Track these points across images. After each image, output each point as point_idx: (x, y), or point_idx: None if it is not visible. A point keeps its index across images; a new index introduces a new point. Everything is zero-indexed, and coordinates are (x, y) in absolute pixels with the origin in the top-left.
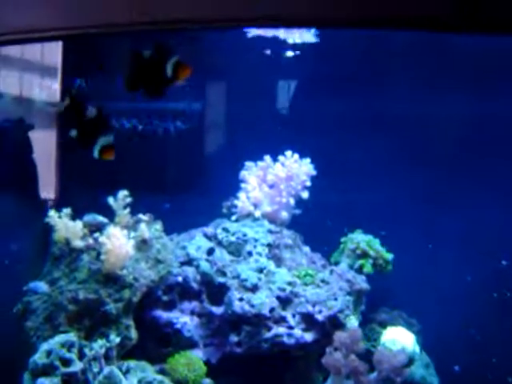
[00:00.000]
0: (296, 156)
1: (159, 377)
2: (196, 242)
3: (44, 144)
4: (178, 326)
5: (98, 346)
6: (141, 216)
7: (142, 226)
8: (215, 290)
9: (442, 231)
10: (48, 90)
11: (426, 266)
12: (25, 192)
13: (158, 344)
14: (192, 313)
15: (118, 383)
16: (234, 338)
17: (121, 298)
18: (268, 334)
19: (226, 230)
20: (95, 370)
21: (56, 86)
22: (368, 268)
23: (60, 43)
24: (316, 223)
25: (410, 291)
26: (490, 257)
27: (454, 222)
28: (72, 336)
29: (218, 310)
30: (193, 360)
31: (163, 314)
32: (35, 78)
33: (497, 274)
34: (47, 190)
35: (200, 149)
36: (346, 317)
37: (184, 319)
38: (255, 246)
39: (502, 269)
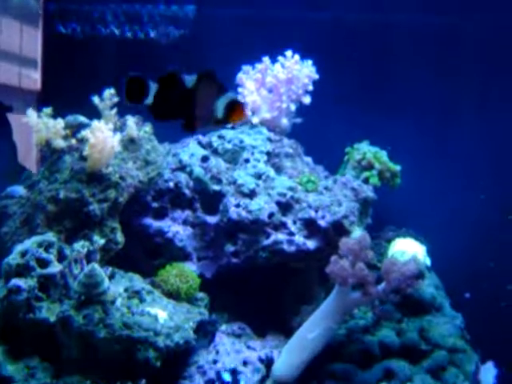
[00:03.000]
0: (297, 57)
1: (148, 286)
2: (189, 150)
3: None
4: (170, 235)
5: (80, 246)
6: (129, 117)
7: (130, 122)
8: (210, 199)
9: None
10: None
11: (436, 183)
12: None
13: (147, 255)
14: (185, 222)
15: (100, 283)
16: (230, 248)
17: (106, 198)
18: (267, 242)
19: (221, 137)
20: (76, 272)
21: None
22: (374, 180)
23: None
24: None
25: (419, 209)
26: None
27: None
28: (51, 236)
29: (212, 220)
30: (185, 271)
31: (153, 223)
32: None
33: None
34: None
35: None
36: (352, 224)
37: (176, 228)
38: (253, 154)
39: None
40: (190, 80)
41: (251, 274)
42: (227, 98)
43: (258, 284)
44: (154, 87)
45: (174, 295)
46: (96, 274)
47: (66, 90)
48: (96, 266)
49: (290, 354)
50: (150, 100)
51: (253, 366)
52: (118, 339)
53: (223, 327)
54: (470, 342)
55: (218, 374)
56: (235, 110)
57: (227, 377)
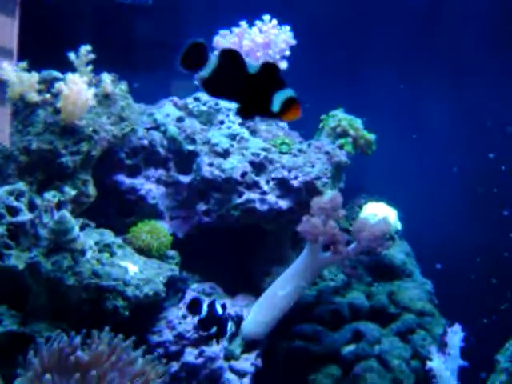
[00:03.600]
0: (274, 21)
1: (119, 241)
2: (164, 110)
3: None
4: (142, 192)
5: (51, 195)
6: (105, 74)
7: (105, 78)
8: (184, 159)
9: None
10: None
11: (409, 153)
12: None
13: (119, 213)
14: (158, 181)
15: (70, 230)
16: (202, 207)
17: (78, 151)
18: (239, 200)
19: (197, 99)
20: (46, 221)
21: None
22: (349, 147)
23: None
24: None
25: (392, 179)
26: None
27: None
28: (21, 185)
29: (185, 179)
30: (157, 228)
31: (126, 180)
32: None
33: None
34: None
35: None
36: (324, 185)
37: (149, 186)
38: (228, 116)
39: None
40: (253, 66)
41: (223, 235)
42: (285, 94)
43: (230, 245)
44: (213, 60)
45: (145, 251)
46: (66, 221)
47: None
48: (66, 212)
49: (259, 312)
50: (206, 73)
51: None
52: (86, 287)
53: (194, 286)
54: (438, 307)
55: (213, 304)
56: (291, 107)
57: (219, 309)
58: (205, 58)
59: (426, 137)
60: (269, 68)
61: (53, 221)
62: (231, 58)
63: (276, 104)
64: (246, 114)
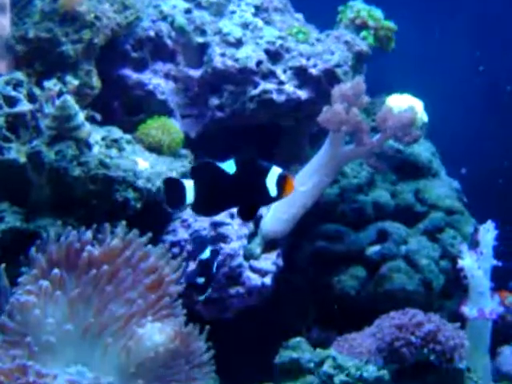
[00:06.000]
0: None
1: (128, 136)
2: (171, 1)
3: None
4: (150, 87)
5: (52, 84)
6: None
7: None
8: (193, 52)
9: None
10: None
11: (432, 51)
12: None
13: (126, 111)
14: (166, 76)
15: (74, 116)
16: (214, 101)
17: (80, 39)
18: (254, 91)
19: None
20: (48, 112)
21: None
22: (370, 39)
23: None
24: None
25: (414, 79)
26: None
27: None
28: (19, 74)
29: (196, 73)
30: (168, 124)
31: (132, 74)
32: None
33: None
34: None
35: None
36: (345, 73)
37: (157, 81)
38: (239, 6)
39: None
40: (229, 166)
41: (237, 135)
42: (275, 175)
43: (246, 144)
44: (190, 186)
45: (155, 149)
46: (69, 106)
47: None
48: (69, 97)
49: (279, 209)
50: (190, 200)
51: (240, 220)
52: (93, 178)
53: None
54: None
55: (215, 253)
56: (286, 183)
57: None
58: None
59: (451, 33)
60: (245, 159)
61: (55, 107)
62: (204, 171)
63: (272, 189)
64: (248, 215)
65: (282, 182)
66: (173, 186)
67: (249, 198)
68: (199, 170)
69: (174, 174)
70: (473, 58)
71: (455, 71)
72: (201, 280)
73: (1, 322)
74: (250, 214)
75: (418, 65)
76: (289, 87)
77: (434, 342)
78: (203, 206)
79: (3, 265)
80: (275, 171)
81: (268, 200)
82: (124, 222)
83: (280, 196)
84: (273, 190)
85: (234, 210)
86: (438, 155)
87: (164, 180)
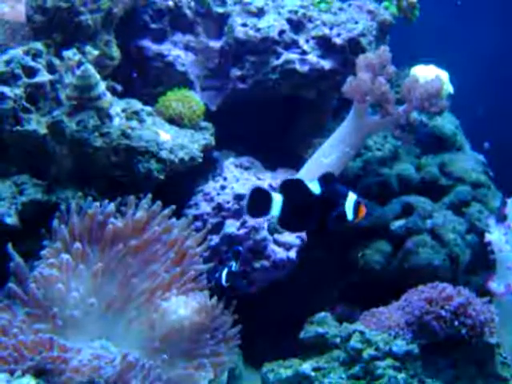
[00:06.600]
0: None
1: (148, 108)
2: None
3: None
4: (170, 58)
5: (71, 53)
6: None
7: None
8: (213, 23)
9: None
10: None
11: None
12: None
13: (146, 83)
14: (186, 47)
15: (95, 86)
16: (236, 72)
17: (99, 8)
18: (277, 62)
19: None
20: (68, 82)
21: None
22: (392, 9)
23: None
24: None
25: (438, 51)
26: None
27: None
28: (38, 44)
29: (216, 44)
30: (188, 96)
31: (152, 45)
32: None
33: None
34: None
35: None
36: (370, 43)
37: (177, 52)
38: None
39: None
40: (314, 186)
41: (259, 108)
42: (352, 201)
43: (268, 116)
44: (278, 200)
45: (176, 121)
46: (90, 75)
47: None
48: (90, 66)
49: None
50: (276, 212)
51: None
52: (115, 149)
53: (231, 160)
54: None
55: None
56: (361, 210)
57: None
58: (270, 200)
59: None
60: (329, 181)
61: (76, 75)
62: (292, 188)
63: (350, 213)
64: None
65: (357, 208)
66: (260, 196)
67: (328, 219)
68: (289, 187)
69: (195, 147)
70: (497, 28)
71: (480, 44)
72: (226, 284)
73: (29, 291)
74: (327, 234)
75: (441, 36)
76: (312, 57)
77: (465, 315)
78: (290, 222)
79: (10, 244)
80: (352, 197)
81: (344, 223)
82: (150, 195)
83: (354, 220)
84: (349, 214)
85: (257, 184)
86: (462, 130)
87: (252, 188)
